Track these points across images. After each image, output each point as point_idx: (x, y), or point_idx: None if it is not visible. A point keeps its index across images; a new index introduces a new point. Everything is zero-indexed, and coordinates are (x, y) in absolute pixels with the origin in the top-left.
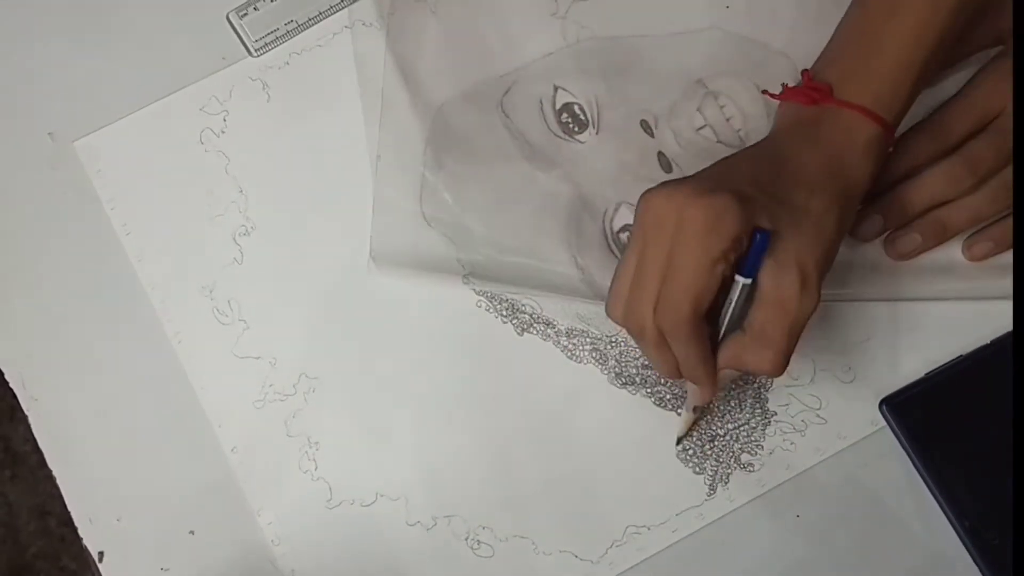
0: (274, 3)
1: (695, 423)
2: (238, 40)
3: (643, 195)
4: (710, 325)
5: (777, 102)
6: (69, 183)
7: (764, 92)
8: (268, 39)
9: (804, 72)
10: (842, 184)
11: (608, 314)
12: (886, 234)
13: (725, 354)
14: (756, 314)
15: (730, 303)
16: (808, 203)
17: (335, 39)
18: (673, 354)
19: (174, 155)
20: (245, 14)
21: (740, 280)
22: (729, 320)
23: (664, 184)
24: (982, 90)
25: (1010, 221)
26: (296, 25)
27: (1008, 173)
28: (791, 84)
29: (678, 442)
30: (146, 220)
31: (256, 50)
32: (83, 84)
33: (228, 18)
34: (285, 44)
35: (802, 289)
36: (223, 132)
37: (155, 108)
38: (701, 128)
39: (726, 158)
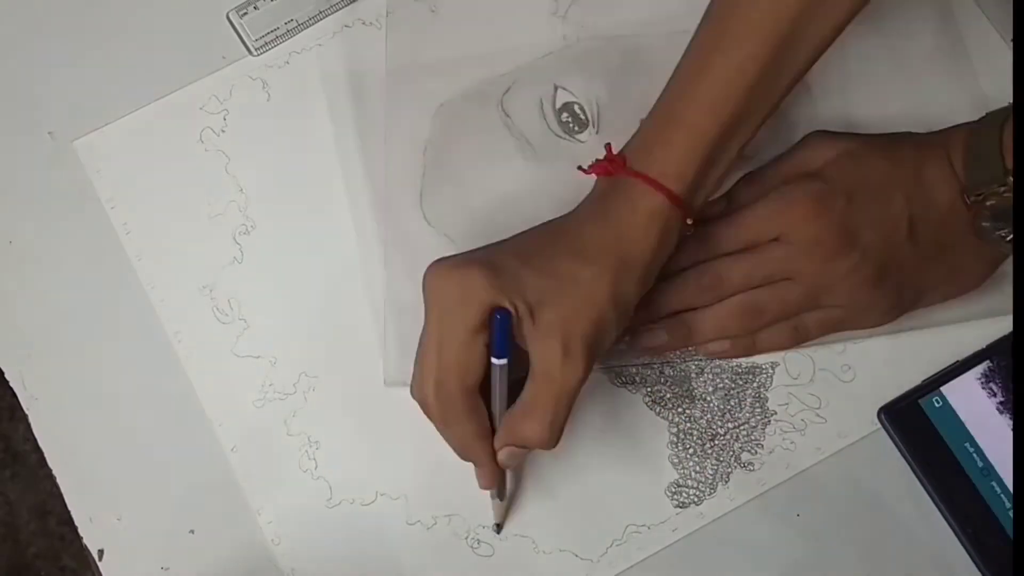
0: (274, 2)
1: (507, 507)
2: (238, 39)
3: (424, 271)
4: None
5: None
6: (69, 182)
7: (579, 168)
8: (268, 38)
9: (607, 145)
10: (617, 255)
11: (412, 396)
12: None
13: (503, 431)
14: (528, 385)
15: (493, 385)
16: (577, 273)
17: (335, 38)
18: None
19: (174, 154)
20: (245, 13)
21: (494, 363)
22: (500, 400)
23: (437, 260)
24: (760, 215)
25: (750, 339)
26: (296, 24)
27: (757, 296)
28: None
29: (498, 529)
30: (146, 219)
31: (256, 49)
32: (83, 83)
33: (228, 17)
34: (285, 43)
35: (564, 359)
36: (223, 131)
37: (155, 107)
38: None
39: (517, 233)
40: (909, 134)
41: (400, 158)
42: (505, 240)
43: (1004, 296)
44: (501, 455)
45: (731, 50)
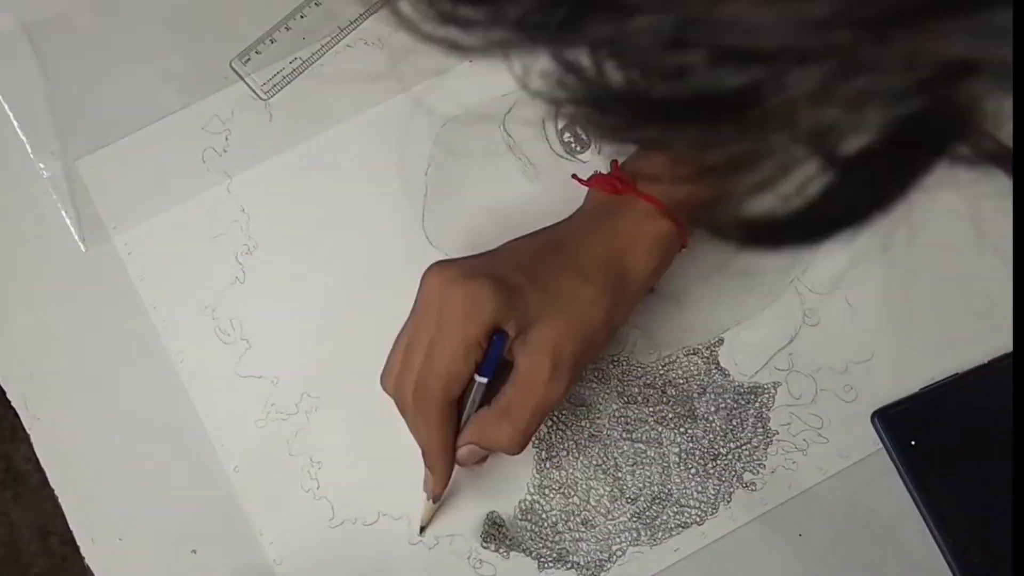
0: (274, 44)
1: (436, 511)
2: (246, 86)
3: (426, 270)
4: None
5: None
6: (70, 202)
7: (574, 177)
8: (275, 80)
9: (614, 161)
10: (618, 277)
11: (380, 383)
12: None
13: (469, 429)
14: (507, 391)
15: (472, 400)
16: (578, 291)
17: (337, 58)
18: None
19: (176, 174)
20: (248, 59)
21: (477, 379)
22: (470, 414)
23: (442, 262)
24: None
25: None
26: (300, 62)
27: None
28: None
29: (421, 531)
30: (148, 239)
31: (265, 93)
32: (85, 103)
33: (232, 67)
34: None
35: (552, 374)
36: (225, 151)
37: (157, 127)
38: None
39: (515, 239)
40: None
41: (402, 177)
42: (506, 249)
43: (981, 318)
44: (462, 451)
45: None
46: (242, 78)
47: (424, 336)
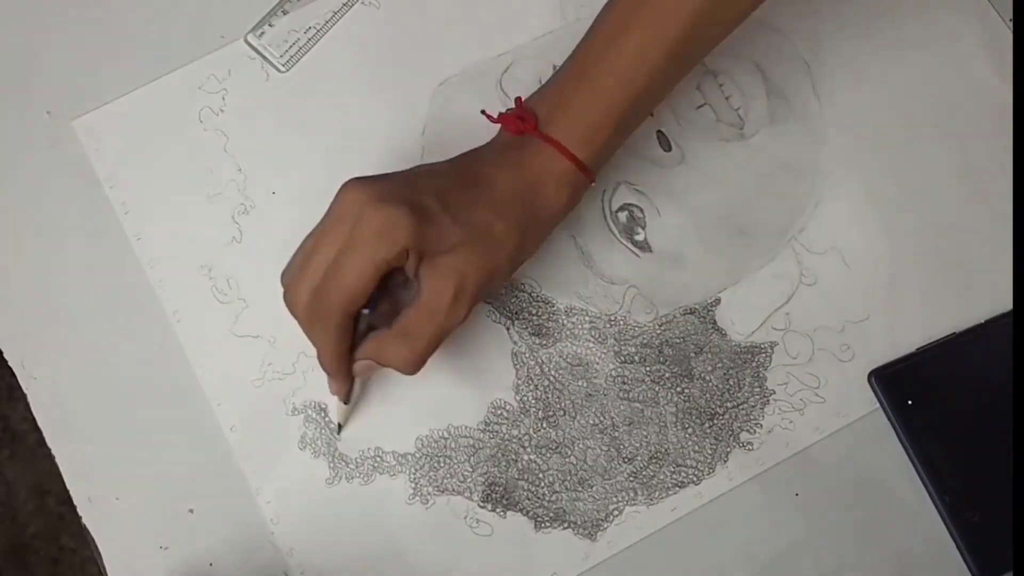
0: (287, 16)
1: (350, 411)
2: (259, 56)
3: (344, 183)
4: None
5: None
6: (67, 162)
7: (483, 112)
8: (291, 51)
9: (518, 99)
10: (529, 213)
11: (280, 278)
12: None
13: (368, 346)
14: (408, 312)
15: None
16: (491, 226)
17: (335, 18)
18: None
19: (173, 134)
20: (263, 33)
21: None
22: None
23: (362, 178)
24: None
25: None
26: (315, 31)
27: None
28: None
29: (339, 429)
30: (144, 199)
31: (283, 65)
32: (81, 63)
33: (247, 41)
34: (284, 20)
35: (453, 301)
36: (222, 111)
37: (154, 87)
38: (700, 107)
39: (431, 165)
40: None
41: (399, 137)
42: (424, 174)
43: (978, 278)
44: (359, 365)
45: (651, 21)
46: (259, 52)
47: (331, 247)
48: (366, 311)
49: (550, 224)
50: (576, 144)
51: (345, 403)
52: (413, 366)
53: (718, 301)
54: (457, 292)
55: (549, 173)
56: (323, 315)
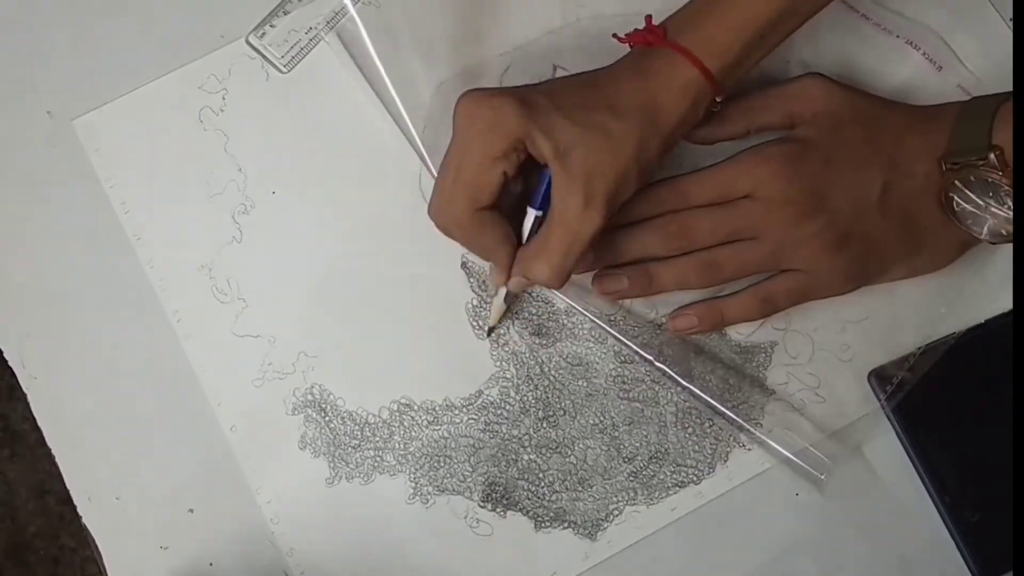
0: (288, 16)
1: (505, 312)
2: (260, 56)
3: (459, 97)
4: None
5: None
6: (67, 162)
7: (614, 36)
8: (293, 52)
9: (648, 17)
10: (649, 116)
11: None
12: (595, 272)
13: (517, 263)
14: (545, 226)
15: (524, 232)
16: (608, 124)
17: (336, 18)
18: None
19: (173, 133)
20: (264, 33)
21: (531, 211)
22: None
23: (472, 89)
24: (733, 169)
25: (715, 304)
26: (316, 31)
27: (717, 251)
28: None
29: (489, 332)
30: (145, 199)
31: (284, 66)
32: (81, 62)
33: (248, 42)
34: (286, 20)
35: (584, 207)
36: (222, 110)
37: (154, 86)
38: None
39: (551, 80)
40: (903, 104)
41: (399, 137)
42: (539, 83)
43: (979, 278)
44: (512, 281)
45: None
46: (261, 53)
47: (454, 158)
48: (537, 211)
49: (669, 132)
50: (706, 54)
51: (504, 302)
52: (556, 280)
53: None
54: (587, 196)
55: (673, 78)
56: (455, 216)
